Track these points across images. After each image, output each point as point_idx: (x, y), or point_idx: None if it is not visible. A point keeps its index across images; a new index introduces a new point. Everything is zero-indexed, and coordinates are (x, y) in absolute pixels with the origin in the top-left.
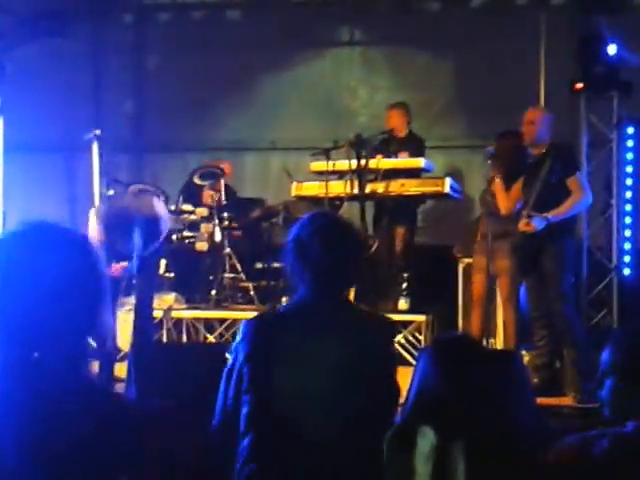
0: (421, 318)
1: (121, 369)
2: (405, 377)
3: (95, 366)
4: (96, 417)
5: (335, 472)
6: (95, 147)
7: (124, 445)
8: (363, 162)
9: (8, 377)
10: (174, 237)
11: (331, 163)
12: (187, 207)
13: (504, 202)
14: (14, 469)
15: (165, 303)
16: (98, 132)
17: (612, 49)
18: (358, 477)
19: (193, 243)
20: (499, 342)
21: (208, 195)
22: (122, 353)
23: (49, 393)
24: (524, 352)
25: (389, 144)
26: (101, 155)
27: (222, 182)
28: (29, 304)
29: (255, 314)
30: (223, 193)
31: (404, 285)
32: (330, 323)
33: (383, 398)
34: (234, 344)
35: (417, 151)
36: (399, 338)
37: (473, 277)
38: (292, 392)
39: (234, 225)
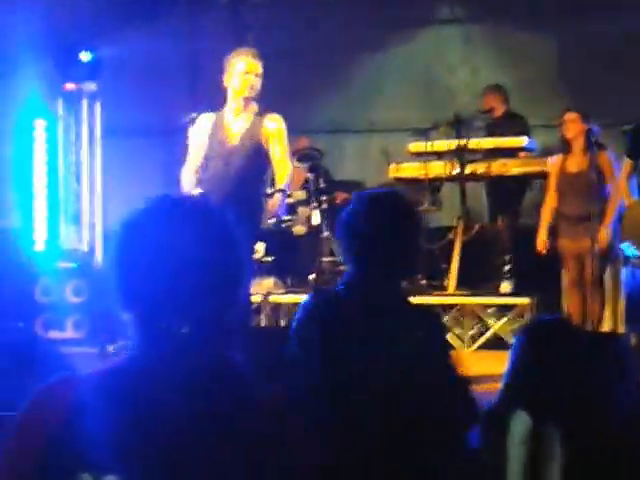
0: (524, 301)
1: None
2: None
3: None
4: (240, 406)
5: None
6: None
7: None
8: (463, 142)
9: (156, 351)
10: (271, 221)
11: (430, 144)
12: None
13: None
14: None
15: (264, 288)
16: (194, 115)
17: None
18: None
19: (291, 227)
20: (606, 325)
21: (300, 176)
22: None
23: (197, 368)
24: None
25: (488, 124)
26: None
27: (320, 164)
28: (170, 278)
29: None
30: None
31: (507, 267)
32: (374, 308)
33: (438, 386)
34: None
35: (518, 130)
36: (502, 321)
37: (563, 260)
38: (341, 376)
39: (332, 207)
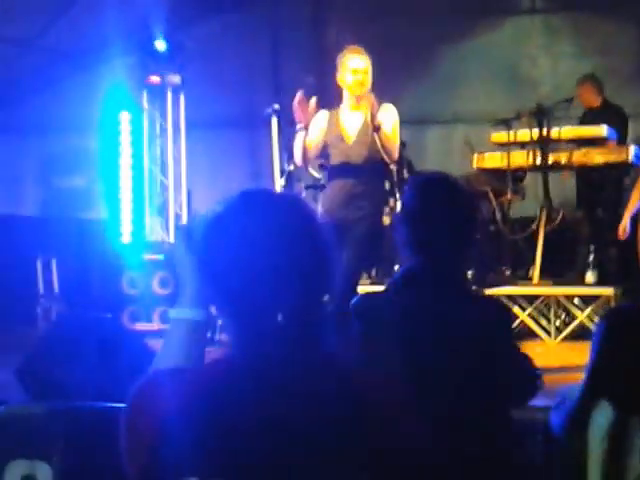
0: (609, 291)
1: None
2: None
3: None
4: (341, 397)
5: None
6: (274, 122)
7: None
8: (545, 131)
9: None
10: None
11: (512, 133)
12: None
13: None
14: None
15: None
16: (277, 107)
17: None
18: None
19: None
20: None
21: None
22: None
23: (293, 359)
24: None
25: (584, 115)
26: (281, 130)
27: (403, 155)
28: (254, 272)
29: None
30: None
31: (592, 257)
32: (433, 299)
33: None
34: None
35: (614, 120)
36: (588, 312)
37: None
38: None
39: None
